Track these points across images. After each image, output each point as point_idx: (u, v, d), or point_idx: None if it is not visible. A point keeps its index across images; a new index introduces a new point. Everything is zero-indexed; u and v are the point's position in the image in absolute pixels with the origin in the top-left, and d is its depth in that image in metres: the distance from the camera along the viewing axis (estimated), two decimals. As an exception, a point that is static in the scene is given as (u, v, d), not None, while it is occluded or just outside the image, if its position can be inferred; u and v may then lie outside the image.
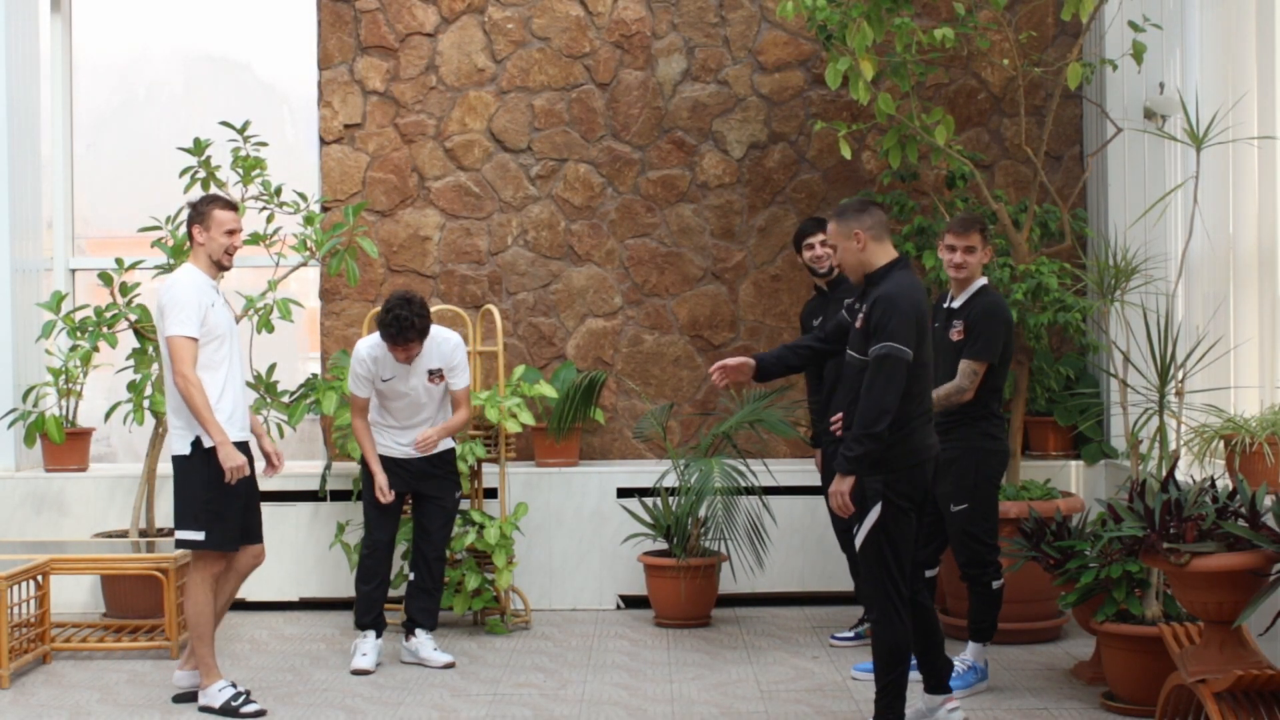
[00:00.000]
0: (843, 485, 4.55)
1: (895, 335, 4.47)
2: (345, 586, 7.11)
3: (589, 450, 7.61)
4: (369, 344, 5.99)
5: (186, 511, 5.27)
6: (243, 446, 5.32)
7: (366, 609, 6.06)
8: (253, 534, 5.45)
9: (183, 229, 6.64)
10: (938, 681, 4.89)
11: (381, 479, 5.99)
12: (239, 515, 5.31)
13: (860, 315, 4.65)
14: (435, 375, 6.04)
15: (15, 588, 5.92)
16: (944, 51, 6.64)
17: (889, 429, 4.48)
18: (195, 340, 5.18)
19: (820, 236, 6.21)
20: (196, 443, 5.23)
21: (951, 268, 5.50)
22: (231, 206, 5.39)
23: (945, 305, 5.60)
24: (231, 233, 5.34)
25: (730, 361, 4.99)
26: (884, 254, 4.71)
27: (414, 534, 6.18)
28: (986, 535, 5.50)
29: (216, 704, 5.29)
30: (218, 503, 5.24)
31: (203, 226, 5.33)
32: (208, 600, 5.32)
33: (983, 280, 5.55)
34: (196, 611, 5.31)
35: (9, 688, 5.70)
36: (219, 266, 5.39)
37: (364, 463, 6.08)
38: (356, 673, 5.89)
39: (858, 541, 4.65)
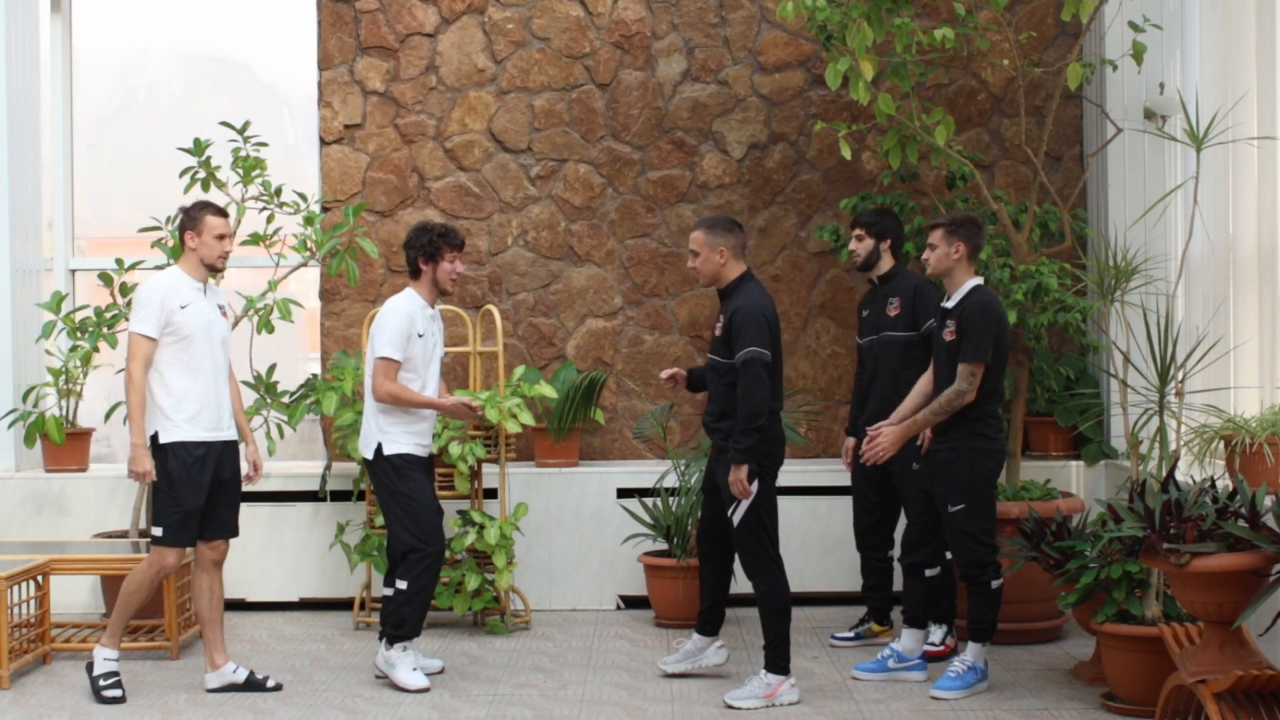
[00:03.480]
0: (740, 473, 5.21)
1: (753, 340, 5.21)
2: (345, 586, 7.12)
3: (589, 450, 7.61)
4: (404, 300, 5.70)
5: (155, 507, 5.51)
6: (213, 446, 5.46)
7: (421, 617, 5.67)
8: (216, 530, 5.55)
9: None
10: (713, 626, 5.74)
11: (456, 400, 5.74)
12: (198, 511, 5.43)
13: (719, 324, 5.38)
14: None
15: (15, 588, 5.92)
16: (944, 52, 6.63)
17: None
18: (152, 340, 5.36)
19: (857, 231, 6.25)
20: (154, 437, 5.42)
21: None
22: (223, 213, 5.56)
23: (941, 305, 5.61)
24: (222, 237, 5.51)
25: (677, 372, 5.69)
26: (737, 270, 5.43)
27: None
28: (984, 535, 5.49)
29: (96, 670, 5.49)
30: (172, 499, 5.40)
31: (195, 232, 5.49)
32: (141, 585, 5.49)
33: (976, 280, 5.54)
34: (128, 585, 5.50)
35: (9, 688, 5.70)
36: (212, 269, 5.55)
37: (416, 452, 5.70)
38: (420, 691, 5.53)
39: (736, 518, 5.28)
